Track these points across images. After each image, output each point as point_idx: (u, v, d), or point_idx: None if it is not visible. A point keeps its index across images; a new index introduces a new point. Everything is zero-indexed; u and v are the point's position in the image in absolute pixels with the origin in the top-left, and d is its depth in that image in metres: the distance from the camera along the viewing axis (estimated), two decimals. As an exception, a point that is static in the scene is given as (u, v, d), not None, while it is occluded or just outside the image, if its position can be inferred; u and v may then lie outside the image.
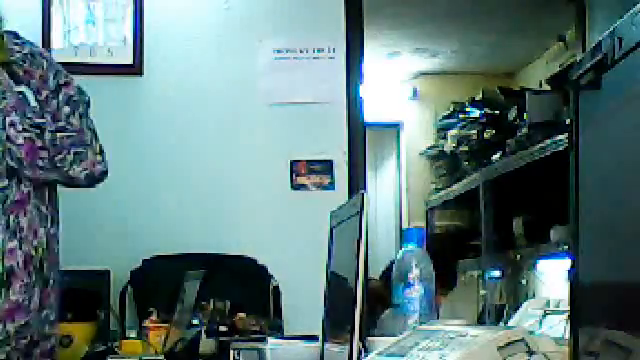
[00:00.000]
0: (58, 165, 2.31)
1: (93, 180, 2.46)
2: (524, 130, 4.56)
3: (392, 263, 1.70)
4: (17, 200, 2.27)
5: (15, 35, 2.50)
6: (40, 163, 2.28)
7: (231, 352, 1.78)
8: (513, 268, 5.18)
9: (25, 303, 2.23)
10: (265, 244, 3.63)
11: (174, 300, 2.47)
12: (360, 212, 1.22)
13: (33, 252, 2.26)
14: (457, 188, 5.80)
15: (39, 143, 2.28)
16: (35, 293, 2.25)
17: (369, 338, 1.49)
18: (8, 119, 2.25)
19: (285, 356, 1.58)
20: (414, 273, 1.66)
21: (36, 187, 2.32)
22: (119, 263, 3.47)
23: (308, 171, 3.74)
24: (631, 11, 0.74)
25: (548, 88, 4.76)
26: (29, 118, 2.29)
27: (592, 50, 0.81)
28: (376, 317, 3.61)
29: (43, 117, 2.34)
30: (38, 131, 2.29)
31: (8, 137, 2.25)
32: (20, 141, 2.26)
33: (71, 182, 2.38)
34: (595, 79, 0.81)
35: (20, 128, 2.26)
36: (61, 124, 2.36)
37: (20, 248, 2.25)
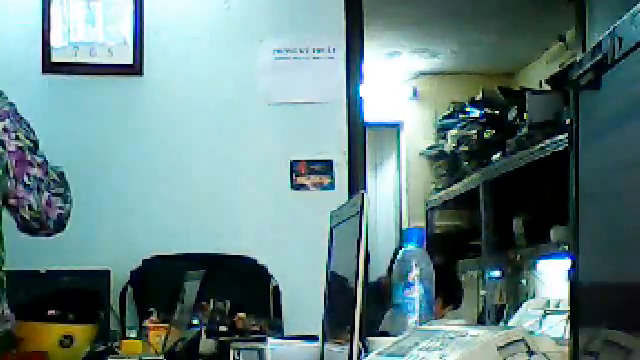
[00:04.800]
0: (41, 189, 2.20)
1: (60, 226, 2.30)
2: (524, 130, 4.56)
3: (395, 256, 1.71)
4: None
5: None
6: (26, 180, 2.19)
7: (231, 352, 1.77)
8: (513, 268, 5.19)
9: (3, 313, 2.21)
10: (265, 244, 3.64)
11: (174, 300, 2.47)
12: (360, 212, 1.22)
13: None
14: (457, 188, 5.81)
15: (29, 157, 2.20)
16: (4, 307, 2.22)
17: (369, 338, 1.49)
18: (1, 124, 2.18)
19: (285, 356, 1.58)
20: (414, 273, 1.66)
21: (3, 204, 2.20)
22: (119, 263, 3.47)
23: (308, 171, 3.74)
24: (631, 11, 0.74)
25: (548, 88, 4.77)
26: (24, 129, 2.23)
27: (592, 50, 0.81)
28: (383, 313, 3.61)
29: (37, 141, 2.25)
30: (32, 145, 2.21)
31: (2, 141, 2.17)
32: (12, 148, 2.17)
33: (40, 215, 2.22)
34: (595, 79, 0.81)
35: (14, 136, 2.18)
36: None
37: None
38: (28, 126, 2.26)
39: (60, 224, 2.30)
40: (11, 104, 2.25)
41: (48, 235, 2.34)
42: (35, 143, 2.24)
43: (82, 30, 3.68)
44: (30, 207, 2.21)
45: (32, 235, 2.33)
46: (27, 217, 2.23)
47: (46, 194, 2.22)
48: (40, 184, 2.21)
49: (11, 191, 2.19)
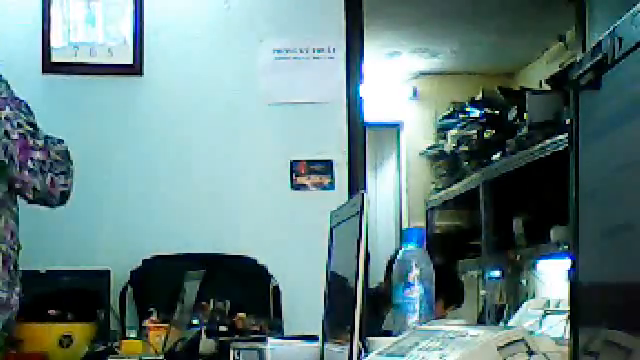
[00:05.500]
0: (45, 170, 2.28)
1: (64, 200, 2.40)
2: (524, 130, 4.56)
3: (391, 262, 1.71)
4: None
5: None
6: (30, 164, 2.26)
7: (231, 352, 1.77)
8: (513, 268, 5.19)
9: (8, 301, 2.23)
10: (265, 244, 3.63)
11: (174, 300, 2.47)
12: (360, 212, 1.22)
13: (11, 252, 2.26)
14: (457, 188, 5.81)
15: (31, 142, 2.26)
16: (15, 292, 2.26)
17: (369, 338, 1.48)
18: (3, 113, 2.24)
19: (285, 356, 1.58)
20: (414, 273, 1.66)
21: (10, 188, 2.29)
22: (119, 263, 3.47)
23: (308, 171, 3.74)
24: (631, 11, 0.74)
25: (548, 88, 4.77)
26: (24, 113, 2.28)
27: (592, 50, 0.81)
28: (384, 314, 3.61)
29: (36, 124, 2.32)
30: (32, 129, 2.28)
31: (6, 132, 2.23)
32: (15, 136, 2.24)
33: (44, 195, 2.32)
34: (595, 79, 0.81)
35: (15, 123, 2.24)
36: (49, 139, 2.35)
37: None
38: (26, 107, 2.31)
39: (63, 198, 2.38)
40: (7, 85, 2.29)
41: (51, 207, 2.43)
42: (34, 126, 2.30)
43: (82, 30, 3.68)
44: (35, 189, 2.30)
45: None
46: (31, 198, 2.32)
47: (49, 175, 2.30)
48: (43, 166, 2.29)
49: (17, 177, 2.26)
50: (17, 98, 2.31)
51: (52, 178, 2.30)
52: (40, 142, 2.29)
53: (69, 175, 2.37)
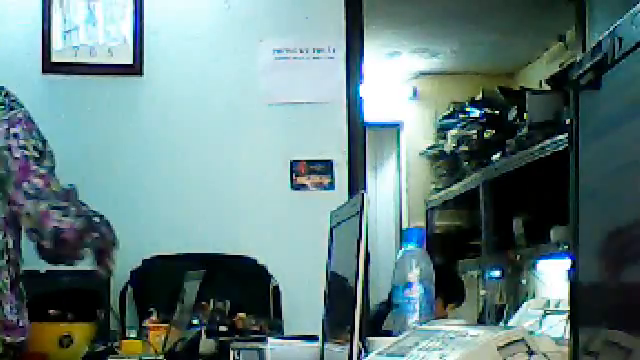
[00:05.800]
0: (40, 198, 2.19)
1: (55, 242, 2.21)
2: (524, 130, 4.56)
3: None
4: (5, 218, 2.22)
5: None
6: (26, 186, 2.18)
7: (231, 352, 1.78)
8: (513, 268, 5.19)
9: (19, 323, 2.22)
10: (265, 244, 3.63)
11: (174, 300, 2.47)
12: (360, 212, 1.22)
13: (17, 272, 2.24)
14: (457, 188, 5.81)
15: (32, 167, 2.20)
16: (23, 316, 2.24)
17: (369, 338, 1.49)
18: (12, 130, 2.21)
19: (285, 356, 1.58)
20: (414, 273, 1.66)
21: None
22: (119, 263, 3.45)
23: (308, 171, 3.74)
24: (631, 11, 0.74)
25: (548, 88, 4.77)
26: (34, 139, 2.24)
27: (592, 50, 0.81)
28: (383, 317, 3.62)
29: (45, 152, 2.27)
30: (38, 156, 2.22)
31: (9, 147, 2.20)
32: (17, 154, 2.19)
33: (37, 225, 2.19)
34: (595, 79, 0.81)
35: (22, 143, 2.20)
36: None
37: (8, 269, 2.21)
38: (39, 133, 2.26)
39: (58, 238, 2.22)
40: (25, 111, 2.26)
41: (53, 256, 2.29)
42: (42, 154, 2.23)
43: (82, 30, 3.68)
44: (28, 215, 2.19)
45: (44, 258, 2.30)
46: (27, 226, 2.22)
47: (44, 204, 2.20)
48: (39, 194, 2.20)
49: (12, 198, 2.20)
50: (34, 124, 2.27)
51: (47, 208, 2.19)
52: (42, 170, 2.21)
53: (69, 215, 2.23)
